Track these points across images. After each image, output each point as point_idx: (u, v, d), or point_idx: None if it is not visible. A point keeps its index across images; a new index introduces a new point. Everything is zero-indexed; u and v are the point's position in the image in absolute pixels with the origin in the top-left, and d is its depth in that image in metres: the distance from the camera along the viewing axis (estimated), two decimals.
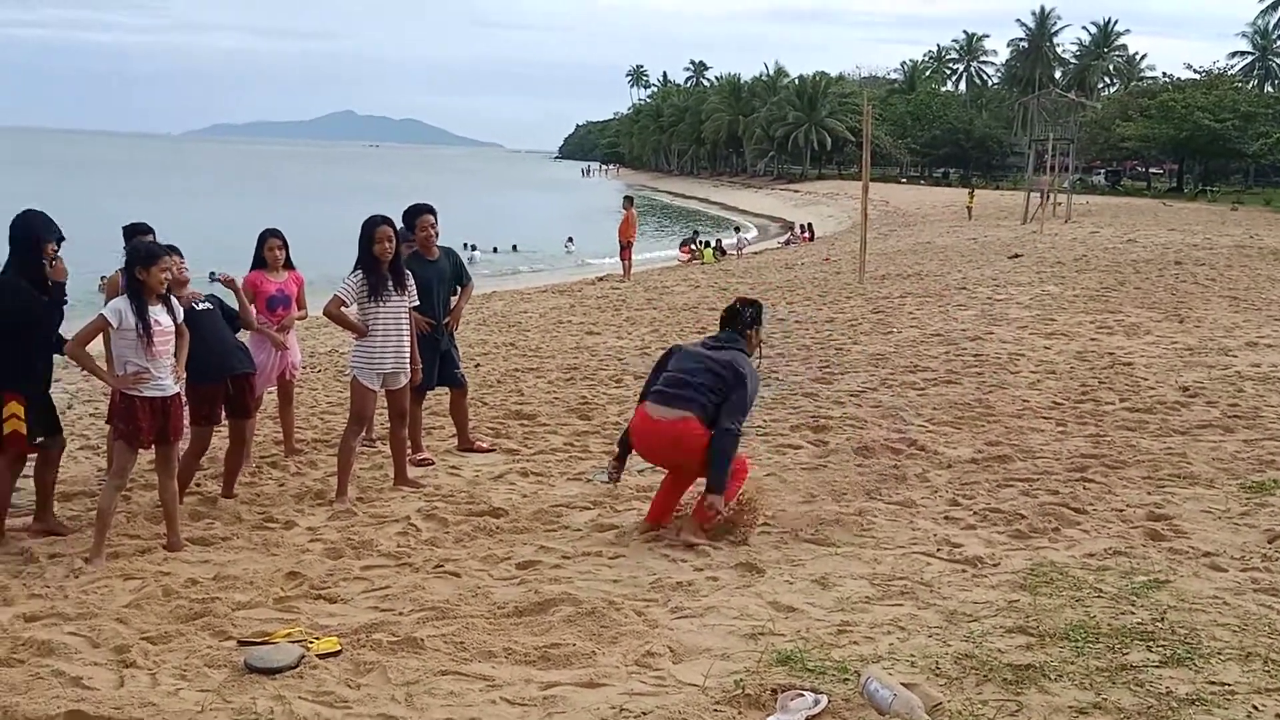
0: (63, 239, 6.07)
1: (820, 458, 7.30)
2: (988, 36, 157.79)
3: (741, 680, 3.80)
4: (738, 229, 39.80)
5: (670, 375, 5.84)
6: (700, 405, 5.65)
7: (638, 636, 4.28)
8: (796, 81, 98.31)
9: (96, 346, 5.99)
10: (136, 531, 6.07)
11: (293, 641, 4.20)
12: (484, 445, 8.05)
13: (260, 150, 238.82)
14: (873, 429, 8.01)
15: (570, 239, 37.93)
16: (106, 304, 5.88)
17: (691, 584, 4.93)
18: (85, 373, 7.25)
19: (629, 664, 4.03)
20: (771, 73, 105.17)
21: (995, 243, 27.18)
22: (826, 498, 6.33)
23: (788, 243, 38.16)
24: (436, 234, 7.61)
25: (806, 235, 38.74)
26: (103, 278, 8.80)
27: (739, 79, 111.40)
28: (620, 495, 6.57)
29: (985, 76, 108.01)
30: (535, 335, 14.61)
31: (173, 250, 6.08)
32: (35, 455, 6.11)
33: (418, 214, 7.58)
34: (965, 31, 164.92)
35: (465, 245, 29.59)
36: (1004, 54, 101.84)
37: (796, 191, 76.74)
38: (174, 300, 5.82)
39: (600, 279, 24.85)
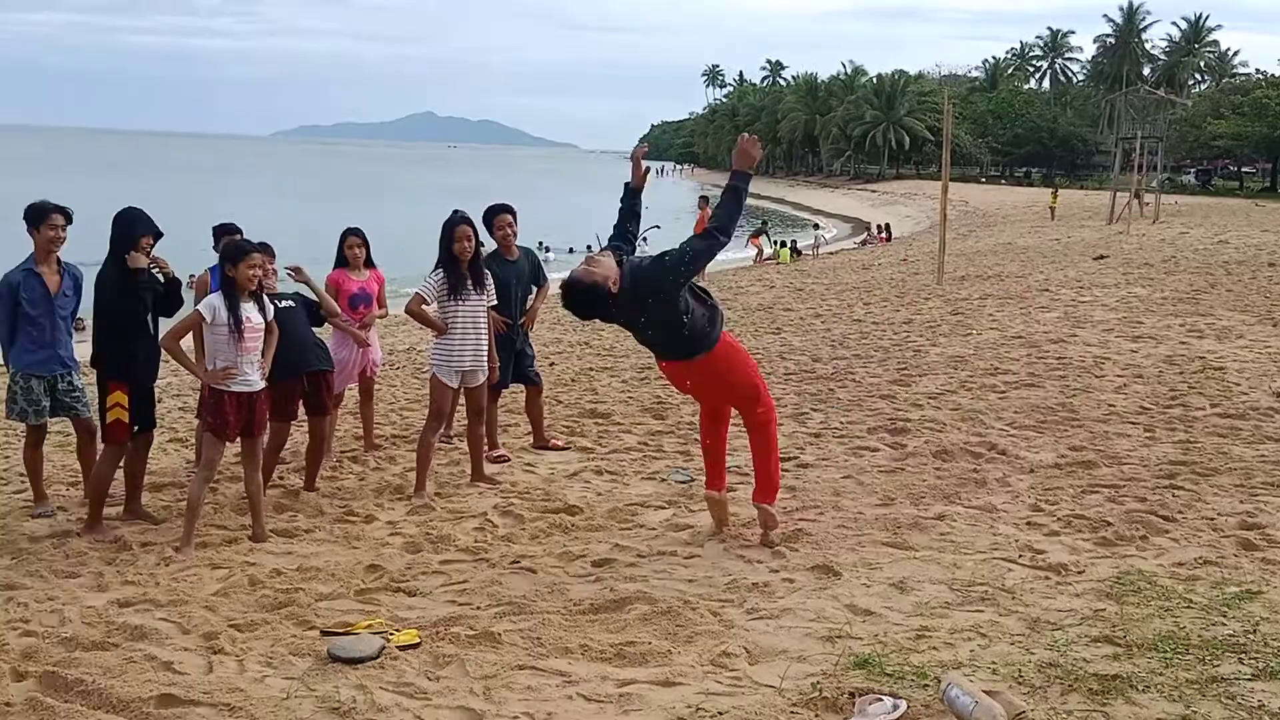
0: (160, 234, 6.26)
1: (898, 460, 7.22)
2: (1073, 33, 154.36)
3: (818, 683, 3.77)
4: (817, 226, 39.30)
5: (644, 340, 5.59)
6: (693, 340, 5.37)
7: (713, 636, 4.27)
8: (874, 80, 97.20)
9: (187, 341, 6.17)
10: (223, 522, 6.23)
11: (374, 633, 4.27)
12: (558, 443, 8.11)
13: (344, 151, 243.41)
14: (952, 432, 7.88)
15: (645, 237, 37.81)
16: (198, 301, 6.06)
17: (767, 585, 4.91)
18: (176, 366, 7.46)
19: (704, 663, 4.03)
20: (849, 71, 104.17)
21: (1079, 243, 26.59)
22: (904, 501, 6.24)
23: (864, 243, 37.78)
24: (515, 234, 7.69)
25: (884, 236, 38.32)
26: (192, 275, 9.04)
27: (816, 78, 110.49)
28: (694, 495, 6.56)
29: (1070, 74, 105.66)
30: (609, 334, 14.65)
31: (264, 248, 6.22)
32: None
33: (496, 214, 7.66)
34: (1049, 28, 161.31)
35: (539, 245, 29.58)
36: (1090, 50, 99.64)
37: (874, 191, 75.92)
38: (266, 298, 5.95)
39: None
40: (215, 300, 5.76)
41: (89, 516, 6.16)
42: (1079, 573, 4.94)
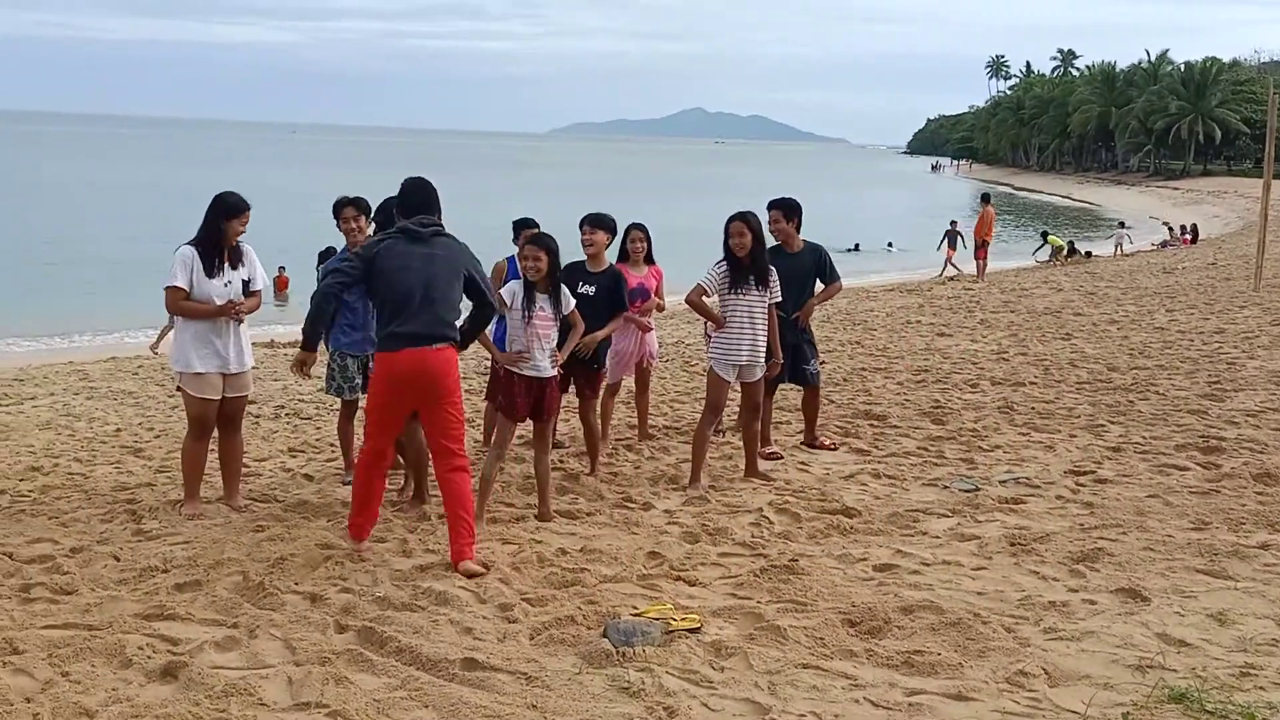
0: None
1: (1211, 481, 6.62)
2: None
3: (1129, 714, 3.51)
4: (1122, 224, 36.57)
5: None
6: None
7: (1008, 654, 4.06)
8: (1181, 68, 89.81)
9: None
10: (511, 500, 6.54)
11: (658, 618, 4.34)
12: (827, 443, 7.98)
13: (618, 147, 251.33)
14: (1276, 454, 7.14)
15: (890, 243, 36.40)
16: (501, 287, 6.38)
17: (1065, 605, 4.61)
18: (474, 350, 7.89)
19: (999, 680, 3.84)
20: (1152, 59, 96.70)
21: None
22: (1221, 526, 5.71)
23: (1165, 245, 34.98)
24: (797, 228, 7.64)
25: (1187, 237, 35.37)
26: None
27: (1113, 67, 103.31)
28: (981, 505, 6.28)
29: None
30: (882, 334, 14.32)
31: (543, 241, 6.47)
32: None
33: (769, 208, 7.70)
34: None
35: (888, 245, 28.76)
36: None
37: (1176, 189, 70.17)
38: (564, 292, 6.18)
39: (951, 279, 23.97)
40: (516, 287, 6.05)
41: (416, 490, 6.60)
42: None
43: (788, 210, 7.66)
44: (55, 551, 5.45)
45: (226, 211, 6.17)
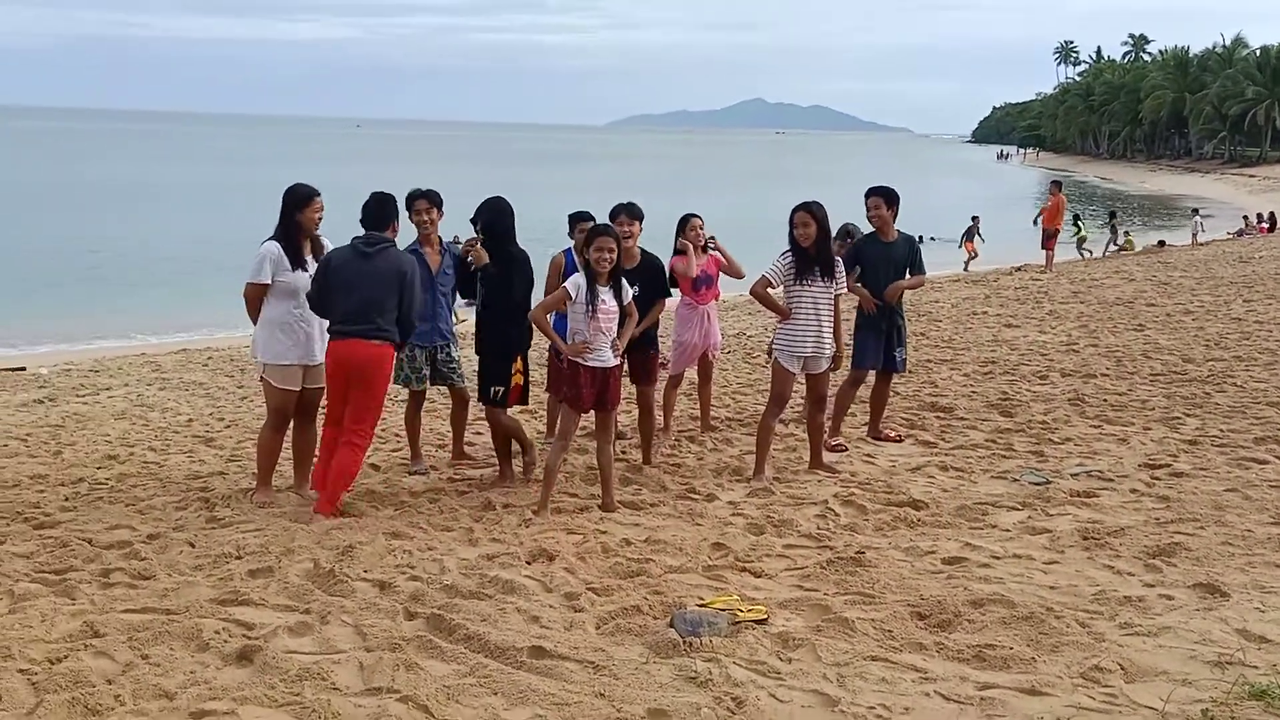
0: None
1: None
2: None
3: (1209, 711, 3.42)
4: (1195, 211, 35.56)
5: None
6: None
7: (1082, 649, 3.98)
8: (1257, 53, 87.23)
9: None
10: (575, 491, 6.56)
11: (725, 609, 4.33)
12: (893, 435, 7.90)
13: (677, 139, 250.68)
14: None
15: (932, 237, 35.55)
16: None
17: (1142, 600, 4.51)
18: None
19: (1073, 675, 3.77)
20: (1227, 44, 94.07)
21: None
22: None
23: (1240, 233, 34.01)
24: (894, 215, 7.61)
25: (1265, 226, 34.38)
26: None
27: (1187, 51, 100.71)
28: (1052, 498, 6.17)
29: None
30: (948, 326, 14.13)
31: (608, 230, 6.48)
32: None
33: (868, 195, 7.66)
34: None
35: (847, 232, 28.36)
36: None
37: (1252, 176, 68.29)
38: (624, 284, 6.19)
39: (1018, 269, 23.54)
40: (580, 280, 6.06)
41: (500, 472, 6.81)
42: None
43: (888, 197, 7.61)
44: (133, 538, 5.59)
45: (296, 203, 6.29)
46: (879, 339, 7.65)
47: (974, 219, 26.90)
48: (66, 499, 6.57)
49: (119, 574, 4.97)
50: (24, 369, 13.35)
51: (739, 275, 7.99)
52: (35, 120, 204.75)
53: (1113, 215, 31.42)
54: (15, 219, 34.89)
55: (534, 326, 6.45)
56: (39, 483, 7.08)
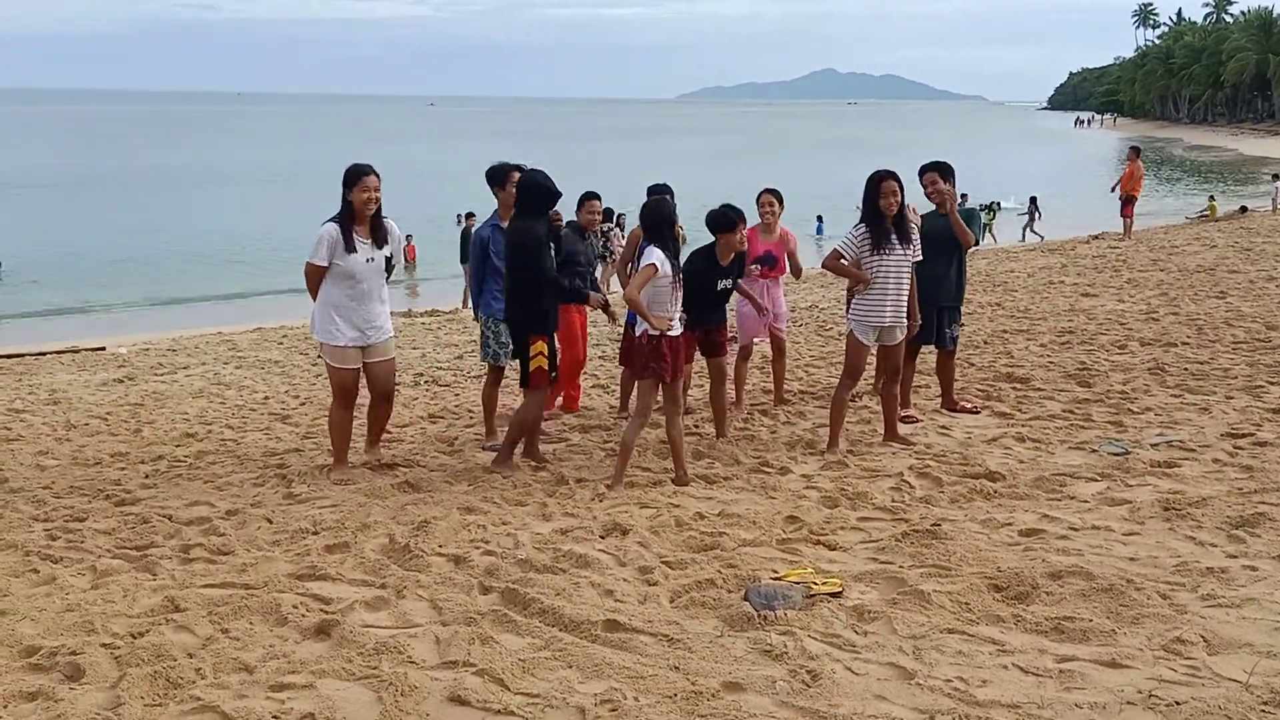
0: (559, 195, 6.54)
1: None
2: None
3: None
4: (1276, 176, 34.39)
5: None
6: None
7: (1163, 620, 3.90)
8: None
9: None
10: (647, 465, 6.57)
11: (799, 582, 4.31)
12: (968, 405, 7.78)
13: (749, 110, 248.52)
14: None
15: (1002, 205, 34.65)
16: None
17: (1225, 571, 4.40)
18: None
19: (1154, 648, 3.69)
20: None
21: None
22: None
23: None
24: (951, 189, 7.52)
25: None
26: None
27: (1270, 12, 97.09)
28: (1132, 469, 6.03)
29: None
30: (1023, 295, 13.86)
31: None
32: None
33: (923, 173, 7.54)
34: None
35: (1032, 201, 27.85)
36: None
37: None
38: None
39: (1095, 237, 22.99)
40: (660, 254, 6.04)
41: (502, 453, 6.63)
42: None
43: (943, 171, 7.48)
44: (211, 514, 5.73)
45: (347, 181, 6.25)
46: (933, 313, 7.48)
47: (1031, 199, 26.35)
48: (146, 476, 6.75)
49: (198, 549, 5.10)
50: (104, 348, 13.76)
51: (796, 273, 8.10)
52: (110, 104, 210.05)
53: (1033, 200, 30.14)
54: (112, 202, 36.30)
55: (628, 306, 6.41)
56: (119, 460, 7.28)
